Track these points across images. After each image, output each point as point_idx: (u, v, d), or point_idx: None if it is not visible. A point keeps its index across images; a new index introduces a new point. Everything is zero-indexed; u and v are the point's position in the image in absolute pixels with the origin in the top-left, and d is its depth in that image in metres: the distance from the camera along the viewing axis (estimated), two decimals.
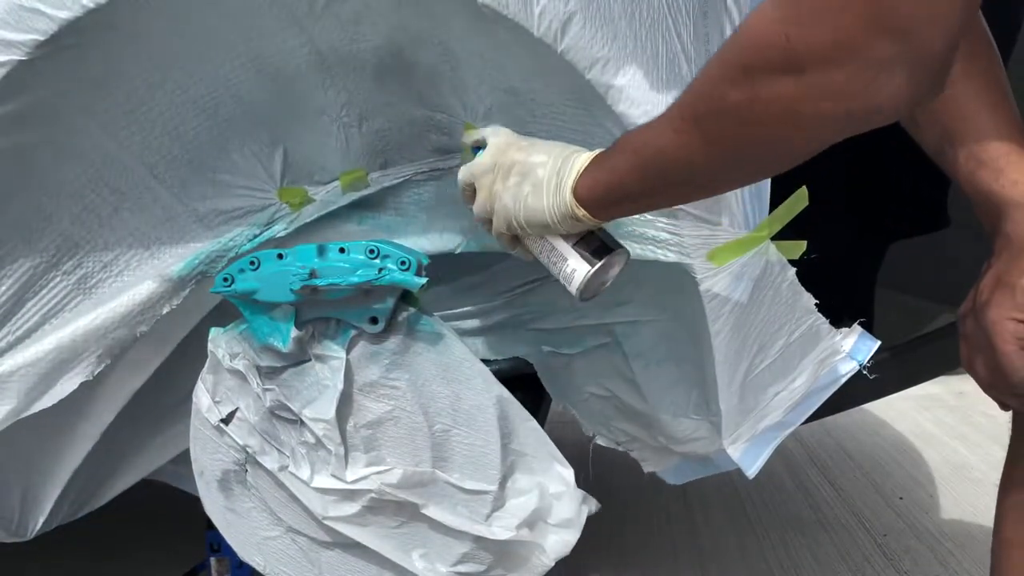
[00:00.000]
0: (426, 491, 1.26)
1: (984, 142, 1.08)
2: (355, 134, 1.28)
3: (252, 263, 1.22)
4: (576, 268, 1.09)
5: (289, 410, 1.26)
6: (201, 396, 1.29)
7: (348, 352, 1.24)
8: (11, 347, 1.26)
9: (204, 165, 1.26)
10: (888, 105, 0.83)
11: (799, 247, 1.23)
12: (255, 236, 1.30)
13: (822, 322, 1.31)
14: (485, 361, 1.32)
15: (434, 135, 1.29)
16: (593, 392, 1.60)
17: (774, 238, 1.22)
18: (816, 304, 1.29)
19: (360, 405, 1.26)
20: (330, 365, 1.24)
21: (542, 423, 1.43)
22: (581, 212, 1.04)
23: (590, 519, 1.28)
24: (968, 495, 2.79)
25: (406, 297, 1.24)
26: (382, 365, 1.25)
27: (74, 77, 1.13)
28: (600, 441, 1.65)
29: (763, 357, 1.31)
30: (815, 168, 1.06)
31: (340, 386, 1.24)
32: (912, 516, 2.65)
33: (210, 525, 1.39)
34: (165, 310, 1.28)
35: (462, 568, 1.28)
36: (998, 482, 1.14)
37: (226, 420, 1.29)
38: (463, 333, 1.61)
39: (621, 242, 1.13)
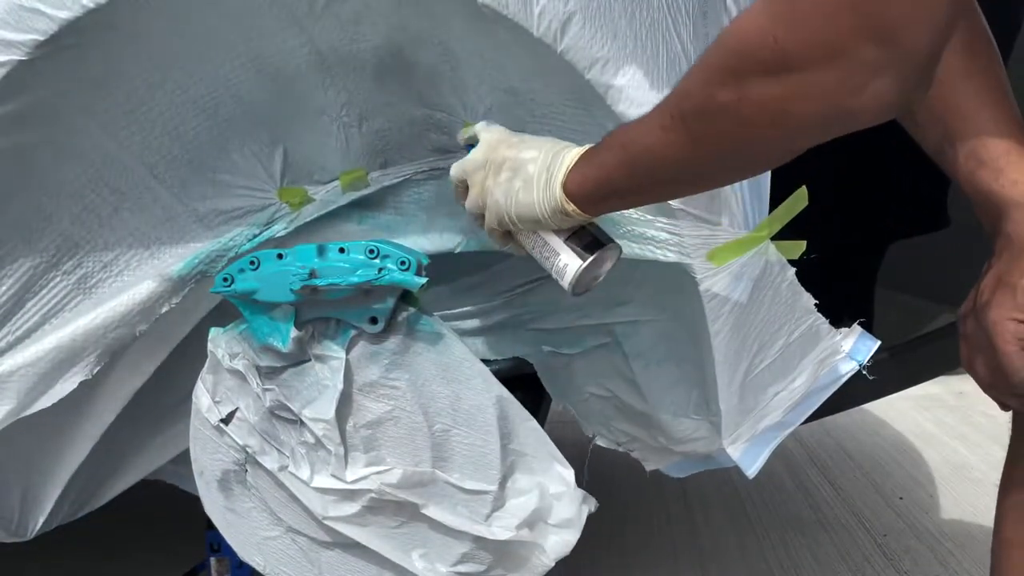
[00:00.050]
0: (426, 491, 1.26)
1: (984, 141, 1.08)
2: (355, 134, 1.28)
3: (252, 263, 1.22)
4: (568, 263, 1.10)
5: (289, 410, 1.26)
6: (201, 396, 1.29)
7: (348, 352, 1.24)
8: (11, 347, 1.26)
9: (204, 165, 1.26)
10: (875, 105, 0.84)
11: (799, 247, 1.23)
12: (255, 236, 1.30)
13: (822, 322, 1.31)
14: (485, 361, 1.32)
15: (434, 135, 1.29)
16: (593, 392, 1.60)
17: (774, 238, 1.22)
18: (816, 304, 1.29)
19: (360, 405, 1.26)
20: (330, 365, 1.24)
21: (542, 423, 1.43)
22: (571, 207, 1.04)
23: (590, 519, 1.28)
24: (968, 495, 2.79)
25: (406, 297, 1.24)
26: (382, 365, 1.25)
27: (74, 77, 1.13)
28: (600, 442, 1.65)
29: (763, 357, 1.31)
30: (815, 168, 1.06)
31: (340, 386, 1.24)
32: (912, 516, 2.65)
33: (210, 525, 1.39)
34: (165, 310, 1.29)
35: (462, 568, 1.28)
36: (998, 482, 1.14)
37: (226, 420, 1.29)
38: (463, 333, 1.61)
39: (619, 241, 1.13)
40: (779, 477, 2.98)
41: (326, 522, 1.27)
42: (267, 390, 1.27)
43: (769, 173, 1.23)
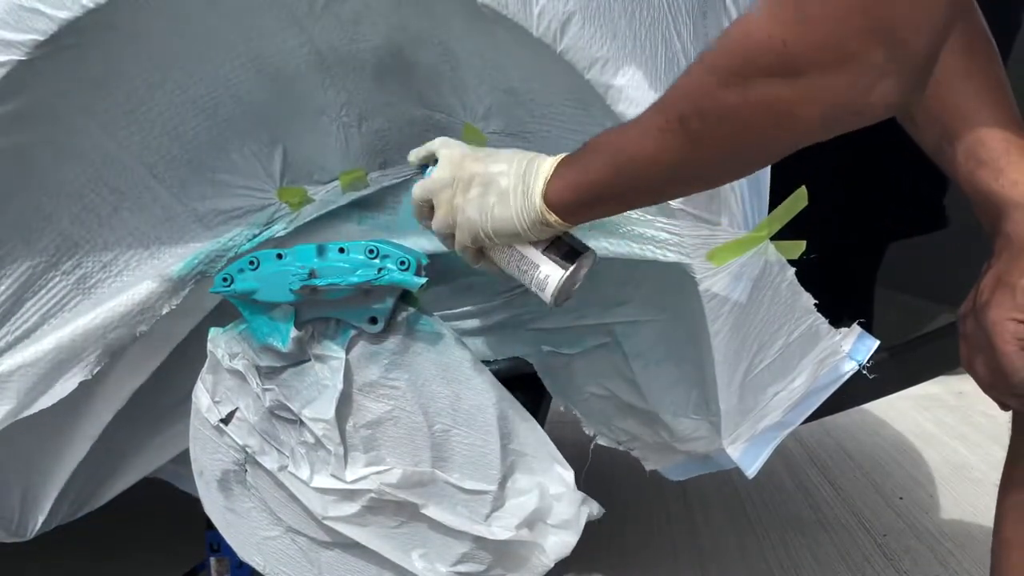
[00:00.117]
0: (426, 491, 1.26)
1: (984, 142, 1.08)
2: (355, 134, 1.28)
3: (251, 263, 1.22)
4: (549, 274, 1.08)
5: (289, 410, 1.26)
6: (201, 396, 1.29)
7: (348, 352, 1.24)
8: (10, 347, 1.26)
9: (204, 165, 1.26)
10: (880, 106, 0.85)
11: (798, 247, 1.23)
12: (254, 236, 1.30)
13: (821, 322, 1.31)
14: (485, 361, 1.32)
15: (434, 135, 1.28)
16: (593, 392, 1.59)
17: (773, 238, 1.22)
18: (816, 304, 1.29)
19: (360, 405, 1.26)
20: (330, 365, 1.24)
21: (542, 423, 1.43)
22: (552, 217, 1.03)
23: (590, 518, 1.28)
24: (968, 495, 2.78)
25: (406, 297, 1.24)
26: (382, 365, 1.25)
27: (74, 77, 1.13)
28: (601, 441, 1.65)
29: (762, 357, 1.31)
30: (814, 168, 1.06)
31: (340, 386, 1.24)
32: (912, 516, 2.65)
33: (210, 525, 1.40)
34: (164, 310, 1.29)
35: (462, 568, 1.28)
36: (998, 482, 1.14)
37: (226, 420, 1.29)
38: (463, 333, 1.61)
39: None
40: (779, 477, 2.98)
41: (326, 522, 1.27)
42: (267, 390, 1.27)
43: (769, 173, 1.23)
